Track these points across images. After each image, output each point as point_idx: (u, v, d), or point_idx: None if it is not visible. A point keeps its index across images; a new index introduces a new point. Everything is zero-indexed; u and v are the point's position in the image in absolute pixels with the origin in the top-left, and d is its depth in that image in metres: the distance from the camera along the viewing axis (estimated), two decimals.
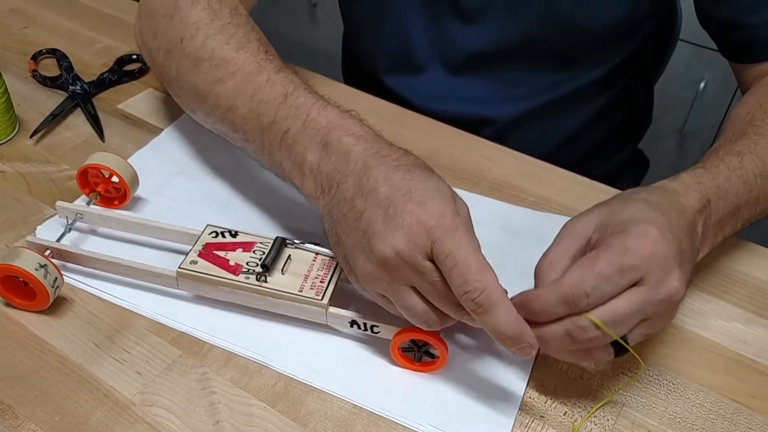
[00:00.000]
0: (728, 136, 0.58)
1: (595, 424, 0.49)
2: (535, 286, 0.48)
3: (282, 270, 0.52)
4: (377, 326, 0.50)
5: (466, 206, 0.47)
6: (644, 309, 0.44)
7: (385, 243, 0.44)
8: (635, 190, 0.51)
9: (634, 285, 0.44)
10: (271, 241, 0.53)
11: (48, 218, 0.60)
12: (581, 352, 0.46)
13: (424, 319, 0.46)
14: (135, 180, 0.61)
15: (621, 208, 0.48)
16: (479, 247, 0.44)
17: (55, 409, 0.47)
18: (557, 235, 0.49)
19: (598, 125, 0.85)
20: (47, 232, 0.58)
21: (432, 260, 0.44)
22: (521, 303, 0.45)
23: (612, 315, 0.43)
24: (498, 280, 0.43)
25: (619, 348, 0.45)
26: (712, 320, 0.57)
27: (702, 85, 1.43)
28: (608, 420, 0.49)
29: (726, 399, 0.51)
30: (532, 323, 0.44)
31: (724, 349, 0.54)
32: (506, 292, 0.44)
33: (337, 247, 0.49)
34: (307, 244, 0.53)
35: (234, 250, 0.53)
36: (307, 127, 0.51)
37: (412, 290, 0.46)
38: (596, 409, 0.49)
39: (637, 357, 0.46)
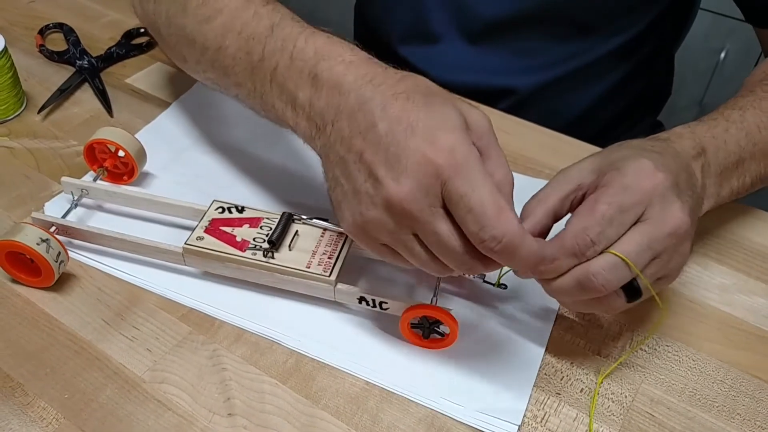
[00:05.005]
0: (737, 95, 0.57)
1: (613, 401, 0.48)
2: (522, 220, 0.47)
3: (289, 246, 0.51)
4: (386, 303, 0.49)
5: (485, 118, 0.43)
6: (652, 245, 0.43)
7: (390, 188, 0.40)
8: (627, 141, 0.50)
9: (636, 222, 0.43)
10: (279, 217, 0.52)
11: (56, 194, 0.59)
12: (594, 301, 0.45)
13: (429, 268, 0.43)
14: (142, 155, 0.60)
15: (613, 152, 0.47)
16: (508, 175, 0.43)
17: (65, 387, 0.47)
18: (549, 181, 0.48)
19: (618, 96, 0.82)
20: (55, 208, 0.58)
21: (444, 204, 0.40)
22: (530, 267, 0.44)
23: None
24: (516, 217, 0.40)
25: (630, 293, 0.44)
26: (734, 295, 0.55)
27: (722, 55, 1.39)
28: (626, 397, 0.48)
29: (748, 375, 0.50)
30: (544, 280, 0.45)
31: (747, 325, 0.53)
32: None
33: (336, 191, 0.45)
34: (314, 220, 0.52)
35: (241, 226, 0.52)
36: (295, 60, 0.47)
37: (416, 240, 0.42)
38: (612, 369, 0.48)
39: (657, 298, 0.45)
